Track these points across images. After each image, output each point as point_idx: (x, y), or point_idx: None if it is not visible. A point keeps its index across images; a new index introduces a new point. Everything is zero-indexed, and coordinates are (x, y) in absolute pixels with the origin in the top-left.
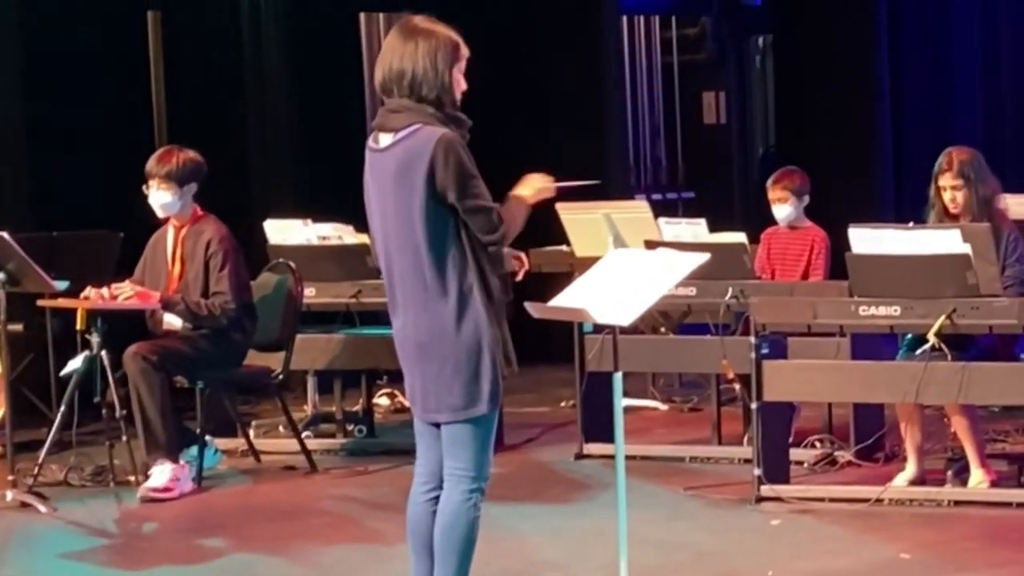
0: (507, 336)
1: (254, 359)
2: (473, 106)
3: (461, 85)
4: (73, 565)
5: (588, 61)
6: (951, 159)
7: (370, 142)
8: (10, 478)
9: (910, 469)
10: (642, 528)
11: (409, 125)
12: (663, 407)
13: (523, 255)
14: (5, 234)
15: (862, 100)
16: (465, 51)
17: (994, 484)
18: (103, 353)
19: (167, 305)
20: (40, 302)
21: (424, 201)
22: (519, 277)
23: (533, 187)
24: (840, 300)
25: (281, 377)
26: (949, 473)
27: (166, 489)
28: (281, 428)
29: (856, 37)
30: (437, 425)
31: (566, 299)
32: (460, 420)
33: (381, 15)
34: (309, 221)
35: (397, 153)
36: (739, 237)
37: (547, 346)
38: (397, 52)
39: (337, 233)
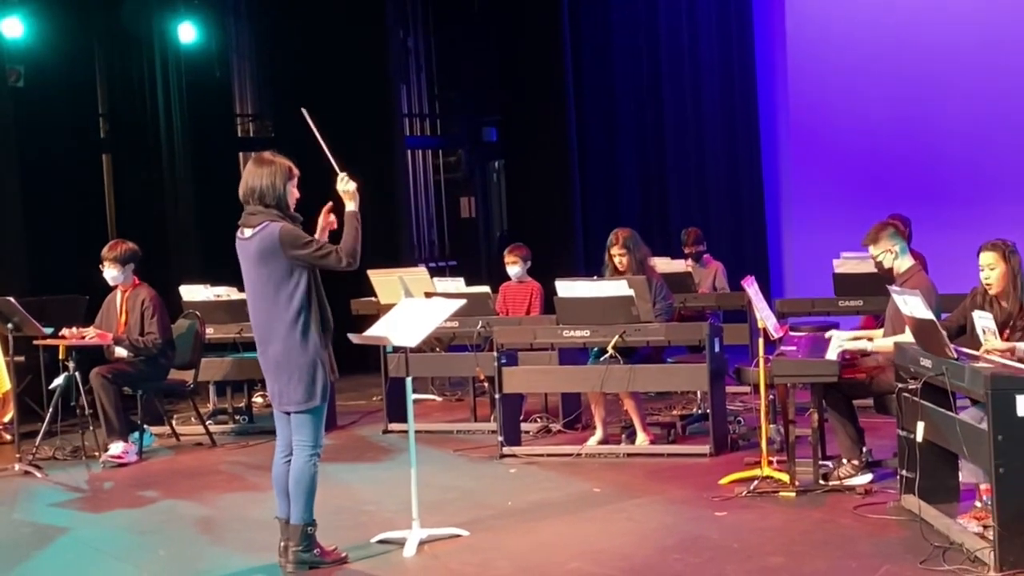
0: (331, 353)
1: (175, 375)
2: (307, 207)
3: (295, 195)
4: (59, 510)
5: (387, 179)
6: (617, 236)
7: (238, 234)
8: (17, 455)
9: (598, 434)
10: (426, 476)
11: (262, 223)
12: (439, 399)
13: (333, 216)
14: (11, 299)
15: (562, 200)
16: (296, 172)
17: (652, 442)
18: (76, 373)
19: (117, 342)
20: (35, 342)
21: (279, 271)
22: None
23: (351, 199)
24: (551, 327)
25: (192, 386)
26: (623, 436)
27: (119, 456)
28: (192, 419)
29: (557, 161)
30: (288, 413)
31: (375, 331)
32: (302, 410)
33: (254, 153)
34: (208, 285)
35: (255, 241)
36: (485, 289)
37: (364, 361)
38: (252, 175)
39: (227, 292)
